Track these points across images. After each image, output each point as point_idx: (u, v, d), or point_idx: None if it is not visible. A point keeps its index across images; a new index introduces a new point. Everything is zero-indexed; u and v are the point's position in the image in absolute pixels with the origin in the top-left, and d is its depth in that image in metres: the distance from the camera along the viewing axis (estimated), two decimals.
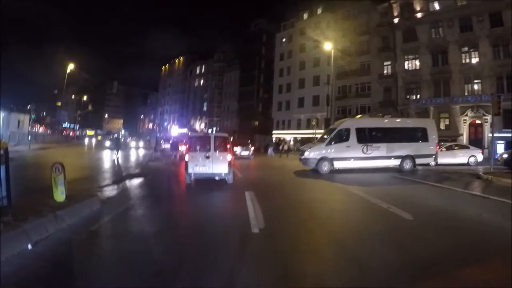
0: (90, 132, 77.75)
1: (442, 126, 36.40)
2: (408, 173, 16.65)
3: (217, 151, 12.28)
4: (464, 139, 34.11)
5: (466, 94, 35.05)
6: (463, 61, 35.39)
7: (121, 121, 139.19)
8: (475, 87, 34.69)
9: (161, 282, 4.05)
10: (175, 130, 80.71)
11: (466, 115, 34.61)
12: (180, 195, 11.56)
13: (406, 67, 40.10)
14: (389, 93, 42.15)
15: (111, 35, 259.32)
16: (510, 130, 28.70)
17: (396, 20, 41.03)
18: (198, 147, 12.60)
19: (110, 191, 10.72)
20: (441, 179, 14.25)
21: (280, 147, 39.33)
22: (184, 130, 78.43)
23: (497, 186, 12.12)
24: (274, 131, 58.67)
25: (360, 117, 21.56)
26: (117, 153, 22.72)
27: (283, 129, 57.81)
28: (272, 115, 60.79)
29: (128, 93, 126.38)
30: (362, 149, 16.90)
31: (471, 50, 34.84)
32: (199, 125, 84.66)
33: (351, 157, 16.88)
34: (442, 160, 19.76)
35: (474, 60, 34.62)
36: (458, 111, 35.18)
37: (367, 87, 44.97)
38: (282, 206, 8.86)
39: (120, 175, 15.07)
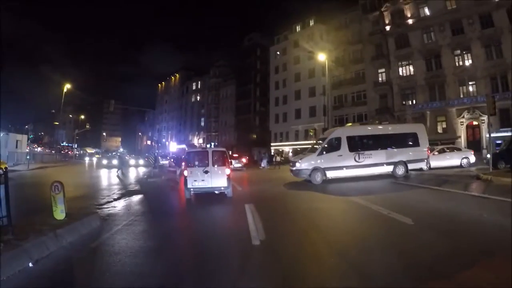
0: (90, 150, 77.44)
1: (439, 130, 36.59)
2: (402, 178, 16.52)
3: (216, 165, 12.40)
4: (462, 141, 34.11)
5: (461, 96, 35.17)
6: (457, 64, 35.56)
7: (119, 139, 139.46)
8: (470, 88, 34.78)
9: None
10: (174, 146, 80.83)
11: (463, 117, 34.61)
12: (180, 210, 11.58)
13: (400, 73, 40.26)
14: (385, 100, 42.25)
15: (106, 54, 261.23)
16: (507, 129, 28.63)
17: (388, 28, 41.37)
18: (196, 162, 12.72)
19: (110, 208, 10.72)
20: (440, 182, 14.17)
21: (273, 159, 38.88)
22: (183, 146, 78.55)
23: (497, 186, 12.05)
24: (272, 143, 58.68)
25: (351, 125, 21.37)
26: (124, 171, 23.11)
27: (281, 141, 57.84)
28: (269, 128, 60.91)
29: (126, 111, 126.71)
30: (354, 157, 16.69)
31: (464, 52, 35.04)
32: (197, 141, 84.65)
33: (344, 166, 16.60)
34: (435, 163, 19.65)
35: (467, 62, 34.81)
36: (455, 113, 35.23)
37: (363, 95, 45.11)
38: (282, 217, 8.88)
39: (120, 192, 15.05)
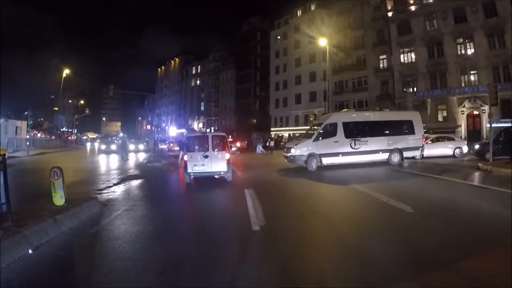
0: (92, 135, 76.72)
1: (440, 118, 36.54)
2: (398, 166, 16.53)
3: (216, 150, 12.53)
4: (462, 130, 34.12)
5: (463, 85, 34.97)
6: (459, 52, 35.26)
7: (119, 123, 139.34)
8: (472, 77, 34.58)
9: (163, 281, 4.08)
10: (173, 131, 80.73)
11: (464, 106, 34.48)
12: (180, 195, 11.61)
13: (402, 60, 40.01)
14: (386, 87, 42.07)
15: (105, 39, 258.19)
16: (508, 120, 28.56)
17: (390, 14, 40.91)
18: (196, 147, 12.86)
19: (109, 193, 10.72)
20: (440, 171, 14.15)
21: (268, 143, 38.33)
22: (183, 131, 78.54)
23: (496, 177, 12.04)
24: (272, 128, 58.66)
25: (346, 111, 21.30)
26: (126, 157, 23.25)
27: (281, 126, 57.80)
28: (270, 112, 60.84)
29: (125, 96, 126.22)
30: (350, 144, 16.48)
31: (466, 41, 34.71)
32: (197, 125, 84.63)
33: (339, 153, 16.40)
34: (427, 152, 19.48)
35: (470, 51, 34.51)
36: (456, 102, 35.08)
37: (363, 81, 44.89)
38: (282, 203, 8.92)
39: (120, 176, 15.07)
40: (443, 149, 20.82)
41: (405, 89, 39.29)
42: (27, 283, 4.00)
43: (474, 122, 34.47)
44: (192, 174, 12.55)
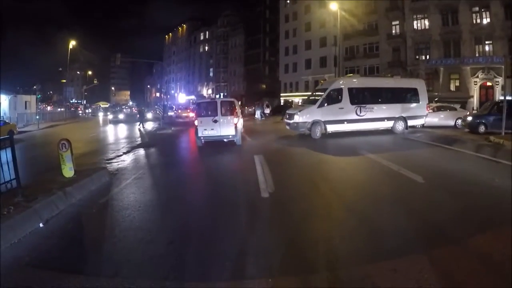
0: (104, 104, 74.86)
1: (452, 88, 35.54)
2: (404, 134, 16.14)
3: (224, 115, 13.22)
4: (475, 101, 33.16)
5: (477, 55, 33.73)
6: (474, 21, 33.75)
7: (128, 92, 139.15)
8: (486, 48, 33.27)
9: (173, 250, 4.15)
10: (183, 97, 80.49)
11: (477, 77, 33.38)
12: (189, 163, 11.94)
13: (415, 26, 38.54)
14: (398, 54, 40.92)
15: (111, 8, 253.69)
16: None
17: None
18: (207, 112, 13.54)
19: (119, 162, 10.83)
20: (450, 141, 13.78)
21: (264, 110, 36.52)
22: (192, 97, 78.36)
23: (508, 151, 11.26)
24: (282, 94, 58.02)
25: (351, 76, 20.44)
26: (143, 124, 24.27)
27: (291, 91, 56.97)
28: (279, 78, 59.95)
29: (133, 64, 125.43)
30: (356, 111, 15.82)
31: (482, 10, 33.11)
32: (206, 91, 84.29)
33: (345, 120, 15.72)
34: (428, 121, 18.34)
35: (485, 21, 33.06)
36: (469, 72, 33.94)
37: (375, 47, 43.70)
38: (291, 170, 9.00)
39: (129, 145, 15.21)
40: (445, 120, 19.86)
41: (417, 57, 38.12)
42: (38, 257, 4.04)
43: (487, 93, 33.36)
44: (202, 138, 13.31)
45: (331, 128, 15.71)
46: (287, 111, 18.32)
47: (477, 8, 33.48)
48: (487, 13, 32.74)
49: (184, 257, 3.93)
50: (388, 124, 16.63)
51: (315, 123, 15.52)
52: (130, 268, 3.70)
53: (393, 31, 41.52)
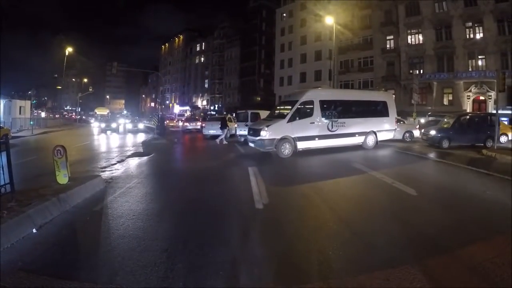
0: (101, 111, 70.60)
1: (445, 102, 36.19)
2: (372, 150, 15.68)
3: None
4: None
5: (470, 69, 34.47)
6: (467, 36, 34.66)
7: (123, 101, 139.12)
8: (479, 62, 34.09)
9: (167, 258, 4.13)
10: (177, 108, 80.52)
11: (470, 91, 34.12)
12: (184, 172, 11.69)
13: (409, 41, 39.39)
14: (392, 68, 41.56)
15: (108, 16, 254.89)
16: None
17: None
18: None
19: (113, 171, 10.78)
20: (443, 154, 14.00)
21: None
22: (186, 108, 78.44)
23: (501, 164, 11.72)
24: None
25: (322, 88, 19.94)
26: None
27: None
28: (274, 91, 60.18)
29: (129, 73, 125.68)
30: (327, 125, 14.51)
31: (476, 25, 34.04)
32: (201, 102, 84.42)
33: (316, 136, 14.25)
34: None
35: (478, 36, 33.92)
36: (462, 86, 34.65)
37: (369, 61, 44.36)
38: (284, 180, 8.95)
39: (124, 154, 15.17)
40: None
41: (411, 71, 38.68)
42: (31, 262, 4.02)
43: (479, 107, 34.02)
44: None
45: (301, 145, 14.06)
46: (249, 126, 16.31)
47: (470, 23, 34.45)
48: (480, 28, 33.69)
49: (177, 266, 3.92)
50: (359, 140, 15.78)
51: (283, 139, 13.66)
52: (123, 276, 3.68)
53: (388, 46, 42.29)
